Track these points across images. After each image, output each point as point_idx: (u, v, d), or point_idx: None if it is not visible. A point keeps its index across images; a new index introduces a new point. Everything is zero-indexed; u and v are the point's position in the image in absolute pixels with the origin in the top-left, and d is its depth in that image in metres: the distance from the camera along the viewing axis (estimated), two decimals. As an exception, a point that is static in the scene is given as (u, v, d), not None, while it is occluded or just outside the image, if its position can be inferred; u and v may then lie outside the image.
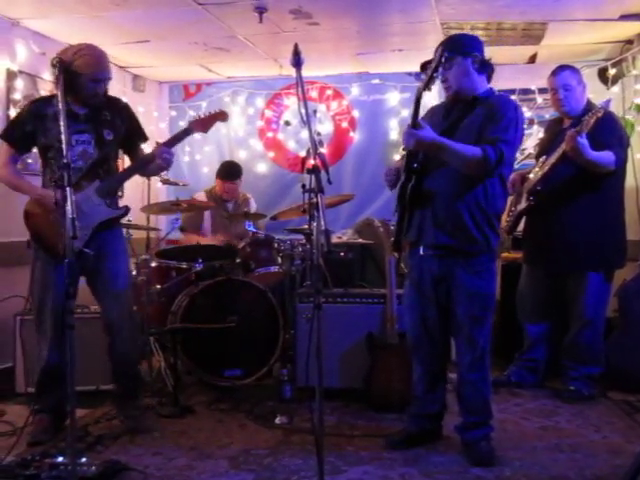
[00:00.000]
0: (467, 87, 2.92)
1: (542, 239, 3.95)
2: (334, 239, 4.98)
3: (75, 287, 3.01)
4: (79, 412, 3.21)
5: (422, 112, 2.91)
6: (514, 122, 2.84)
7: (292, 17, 4.53)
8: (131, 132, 3.46)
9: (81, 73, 3.13)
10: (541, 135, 4.61)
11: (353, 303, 3.95)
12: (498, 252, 3.35)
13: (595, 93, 4.52)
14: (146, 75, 6.16)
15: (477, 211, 2.87)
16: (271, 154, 6.32)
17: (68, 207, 2.36)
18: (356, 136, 6.14)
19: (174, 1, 4.22)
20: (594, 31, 4.81)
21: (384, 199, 5.65)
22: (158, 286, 4.30)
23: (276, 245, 4.56)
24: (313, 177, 2.36)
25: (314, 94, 6.09)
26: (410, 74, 5.92)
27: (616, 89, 5.18)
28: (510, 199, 3.97)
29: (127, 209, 3.41)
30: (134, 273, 4.51)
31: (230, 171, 5.24)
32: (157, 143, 3.39)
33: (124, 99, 5.56)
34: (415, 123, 2.77)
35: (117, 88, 5.58)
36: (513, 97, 5.16)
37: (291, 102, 6.17)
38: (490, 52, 3.00)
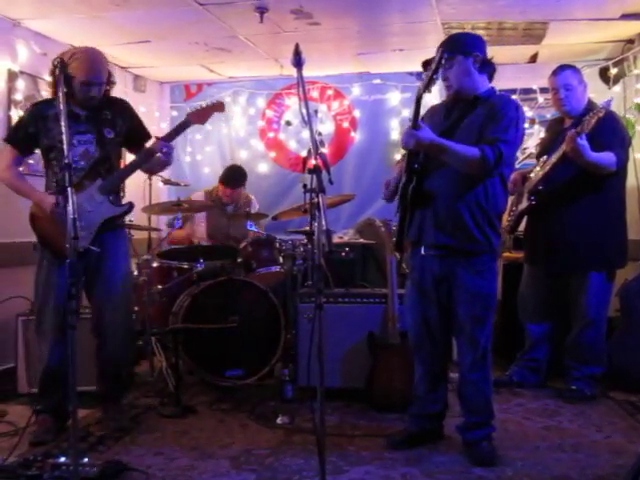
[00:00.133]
0: (468, 86, 2.92)
1: (543, 239, 3.94)
2: (335, 239, 4.98)
3: (78, 287, 3.03)
4: (81, 412, 3.21)
5: (422, 111, 2.91)
6: (514, 122, 2.83)
7: (293, 17, 4.53)
8: (133, 130, 3.47)
9: (74, 76, 3.16)
10: (542, 135, 4.61)
11: (354, 303, 3.95)
12: (499, 252, 3.35)
13: (596, 93, 4.52)
14: (147, 75, 6.17)
15: (478, 211, 2.87)
16: (272, 154, 6.32)
17: (69, 208, 2.37)
18: (357, 136, 6.14)
19: (175, 1, 4.22)
20: (595, 30, 4.81)
21: (385, 199, 5.64)
22: (159, 286, 4.30)
23: (277, 245, 4.56)
24: (314, 177, 2.36)
25: (315, 94, 6.09)
26: (411, 74, 5.92)
27: (617, 89, 5.18)
28: (511, 199, 3.97)
29: (131, 205, 3.42)
30: (135, 273, 4.52)
31: (234, 179, 5.22)
32: (156, 138, 3.40)
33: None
34: (415, 124, 2.77)
35: (118, 88, 5.50)
36: (514, 97, 5.16)
37: (292, 102, 6.17)
38: (491, 52, 2.99)
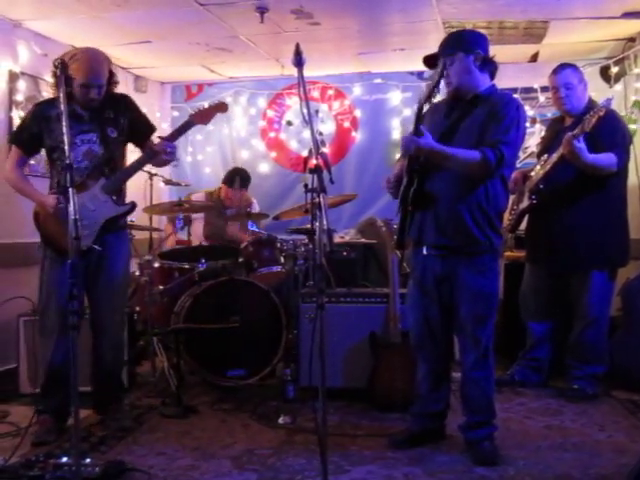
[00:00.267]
0: (468, 84, 2.91)
1: (545, 238, 3.94)
2: (337, 239, 4.98)
3: (80, 287, 3.05)
4: (83, 413, 3.21)
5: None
6: (515, 122, 2.83)
7: (293, 17, 4.53)
8: (136, 125, 3.47)
9: (73, 78, 3.16)
10: (543, 134, 4.60)
11: (356, 303, 3.95)
12: (501, 251, 3.34)
13: (598, 91, 4.52)
14: (148, 76, 6.17)
15: (478, 212, 2.87)
16: (273, 154, 6.32)
17: (70, 208, 2.38)
18: (358, 136, 6.14)
19: (175, 1, 4.22)
20: (596, 29, 4.81)
21: (386, 199, 5.59)
22: (161, 287, 4.31)
23: (279, 245, 4.56)
24: (315, 177, 2.36)
25: (316, 94, 6.09)
26: (412, 73, 5.92)
27: (619, 87, 5.17)
28: (512, 198, 3.97)
29: (134, 205, 3.43)
30: (137, 274, 4.52)
31: (238, 181, 5.23)
32: (160, 138, 3.42)
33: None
34: (417, 131, 2.76)
35: (119, 89, 5.55)
36: (515, 96, 5.15)
37: (293, 102, 6.17)
38: (492, 51, 2.98)
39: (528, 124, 5.15)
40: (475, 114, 2.88)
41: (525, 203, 3.98)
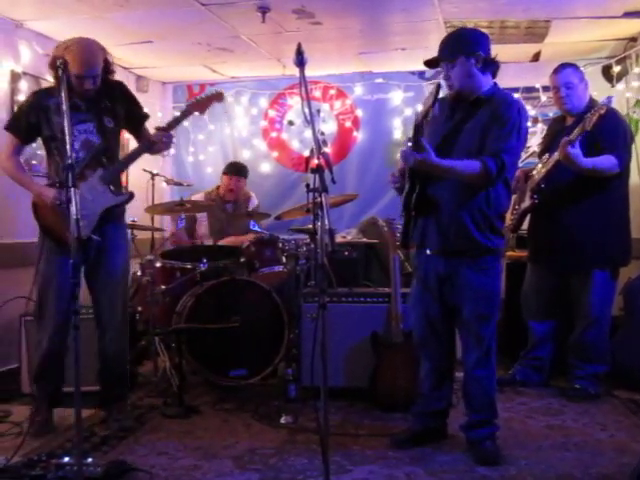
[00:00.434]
0: (469, 88, 2.91)
1: (546, 237, 3.94)
2: (338, 238, 4.98)
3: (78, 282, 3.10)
4: (84, 412, 3.21)
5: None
6: (517, 127, 2.83)
7: (295, 17, 4.53)
8: (131, 111, 3.49)
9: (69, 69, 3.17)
10: (545, 133, 4.60)
11: (358, 302, 3.95)
12: (503, 251, 3.34)
13: (599, 91, 4.52)
14: (149, 76, 6.17)
15: (479, 216, 2.87)
16: (275, 154, 6.32)
17: (73, 209, 2.38)
18: (360, 135, 6.14)
19: (177, 2, 4.23)
20: (598, 28, 4.80)
21: (388, 198, 5.64)
22: (163, 286, 4.30)
23: (280, 245, 4.56)
24: (317, 176, 2.36)
25: (317, 94, 6.09)
26: (413, 73, 5.92)
27: (620, 86, 5.17)
28: (514, 197, 3.96)
29: (131, 195, 3.46)
30: (139, 274, 4.53)
31: (237, 168, 5.28)
32: (156, 128, 3.43)
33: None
34: (417, 147, 2.75)
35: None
36: (516, 95, 5.16)
37: (294, 102, 6.17)
38: (493, 50, 2.97)
39: (530, 123, 5.14)
40: (477, 116, 2.88)
41: (527, 203, 3.98)
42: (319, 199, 2.34)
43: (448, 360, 3.14)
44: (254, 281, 4.22)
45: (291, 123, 6.19)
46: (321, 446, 2.33)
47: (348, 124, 6.15)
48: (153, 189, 4.88)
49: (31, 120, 3.30)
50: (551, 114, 5.29)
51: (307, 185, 2.40)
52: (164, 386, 4.02)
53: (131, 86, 5.91)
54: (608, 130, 3.63)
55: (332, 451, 2.67)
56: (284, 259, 4.54)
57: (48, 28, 4.68)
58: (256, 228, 4.80)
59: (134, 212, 5.05)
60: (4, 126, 3.38)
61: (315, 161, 2.40)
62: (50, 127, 3.28)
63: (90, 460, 2.66)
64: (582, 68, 4.24)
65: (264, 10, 4.34)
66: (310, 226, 2.67)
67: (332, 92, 6.16)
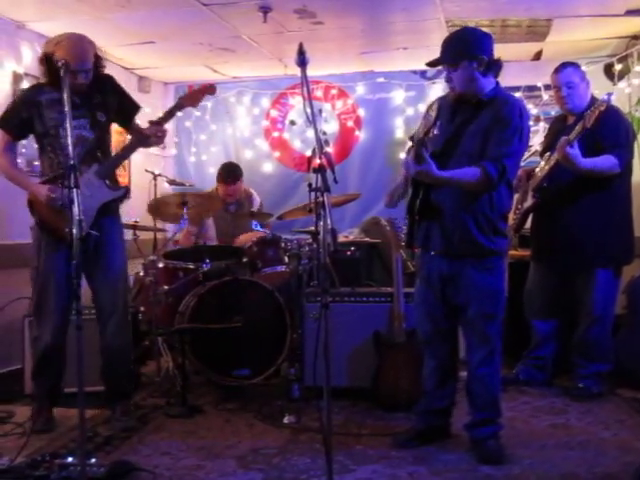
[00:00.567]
0: (472, 90, 2.89)
1: (549, 236, 3.94)
2: (340, 238, 4.98)
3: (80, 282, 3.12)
4: (88, 413, 3.22)
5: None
6: (519, 130, 2.82)
7: (296, 16, 4.53)
8: (122, 104, 3.50)
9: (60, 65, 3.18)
10: (547, 132, 4.59)
11: (360, 302, 3.95)
12: (506, 251, 3.34)
13: (601, 89, 4.51)
14: (151, 76, 6.18)
15: (483, 219, 2.88)
16: (277, 154, 6.33)
17: (75, 209, 2.39)
18: (361, 135, 6.14)
19: (178, 2, 4.23)
20: (600, 27, 4.80)
21: (390, 198, 5.63)
22: (165, 287, 4.30)
23: (283, 244, 4.56)
24: (319, 176, 2.36)
25: (319, 93, 6.09)
26: (415, 72, 5.92)
27: (622, 85, 5.16)
28: (516, 197, 3.96)
29: (127, 189, 3.50)
30: (142, 274, 4.53)
31: (231, 174, 5.21)
32: (150, 122, 3.44)
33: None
34: (418, 158, 2.75)
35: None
36: (518, 94, 5.16)
37: (296, 102, 6.17)
38: (495, 50, 2.97)
39: (532, 122, 5.14)
40: (479, 119, 2.87)
41: (529, 202, 3.97)
42: (321, 199, 2.34)
43: (452, 359, 3.14)
44: (257, 281, 4.22)
45: (293, 123, 6.20)
46: (324, 446, 2.33)
47: (350, 124, 6.15)
48: (155, 189, 4.88)
49: (23, 116, 3.30)
50: (553, 112, 5.29)
51: (309, 185, 2.40)
52: (167, 386, 4.02)
53: (133, 87, 5.94)
54: (609, 128, 3.62)
55: (335, 451, 2.66)
56: (286, 259, 4.53)
57: (50, 29, 4.67)
58: (258, 228, 4.79)
59: (136, 212, 5.07)
60: None
61: (317, 161, 2.40)
62: (43, 123, 3.29)
63: (93, 460, 2.66)
64: (584, 67, 4.24)
65: (265, 10, 4.34)
66: (312, 227, 2.67)
67: (334, 92, 6.16)
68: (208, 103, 6.30)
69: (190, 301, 4.07)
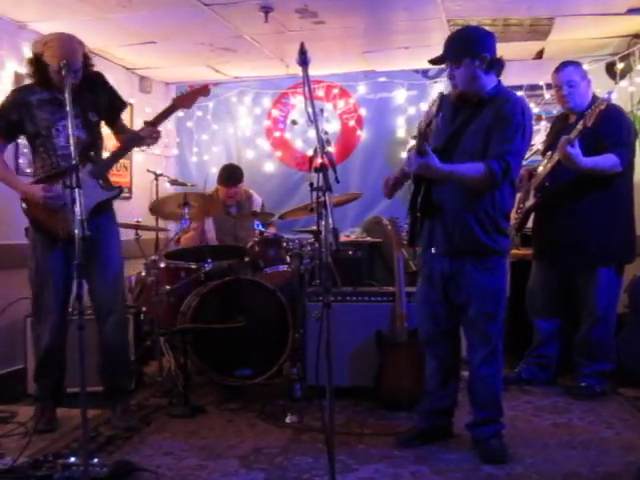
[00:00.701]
0: (474, 88, 2.90)
1: (551, 235, 3.93)
2: (342, 238, 4.98)
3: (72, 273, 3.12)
4: (90, 413, 3.22)
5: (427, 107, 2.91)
6: (521, 128, 2.82)
7: (298, 16, 4.53)
8: (112, 102, 3.51)
9: (47, 64, 3.19)
10: (548, 131, 4.59)
11: (362, 302, 3.95)
12: (508, 250, 3.34)
13: (603, 88, 4.50)
14: (153, 76, 6.17)
15: (485, 218, 2.87)
16: (278, 153, 6.32)
17: (77, 209, 2.40)
18: (363, 134, 6.13)
19: (180, 2, 4.23)
20: (601, 25, 4.79)
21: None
22: (167, 287, 4.30)
23: (285, 244, 4.56)
24: (321, 176, 2.36)
25: (321, 93, 6.08)
26: (417, 71, 5.91)
27: (624, 83, 5.16)
28: (518, 196, 3.96)
29: (121, 189, 3.52)
30: (143, 274, 4.53)
31: (232, 176, 5.22)
32: (145, 123, 3.46)
33: (131, 100, 5.61)
34: (421, 150, 2.75)
35: (124, 90, 5.57)
36: (520, 93, 5.14)
37: (298, 101, 6.17)
38: (497, 49, 2.97)
39: (534, 122, 5.13)
40: (481, 117, 2.87)
41: (531, 201, 3.97)
42: (323, 198, 2.34)
43: (453, 358, 3.14)
44: (259, 281, 4.22)
45: (294, 122, 6.19)
46: (326, 445, 2.33)
47: (351, 123, 6.15)
48: (157, 190, 4.88)
49: (12, 118, 3.31)
50: (555, 111, 5.28)
51: (311, 184, 2.40)
52: (169, 386, 4.02)
53: (134, 87, 5.94)
54: (610, 127, 3.62)
55: (337, 450, 2.67)
56: (288, 258, 4.54)
57: (51, 29, 4.60)
58: (261, 228, 4.79)
59: (138, 212, 5.08)
60: None
61: (319, 160, 2.40)
62: (34, 124, 3.30)
63: (96, 460, 2.66)
64: (585, 65, 4.24)
65: (267, 10, 4.34)
66: (314, 227, 2.67)
67: (335, 91, 6.15)
68: (210, 103, 6.30)
69: (192, 301, 4.07)
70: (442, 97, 3.03)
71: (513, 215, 3.90)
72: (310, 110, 2.44)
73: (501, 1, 4.32)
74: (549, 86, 5.27)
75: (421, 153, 2.74)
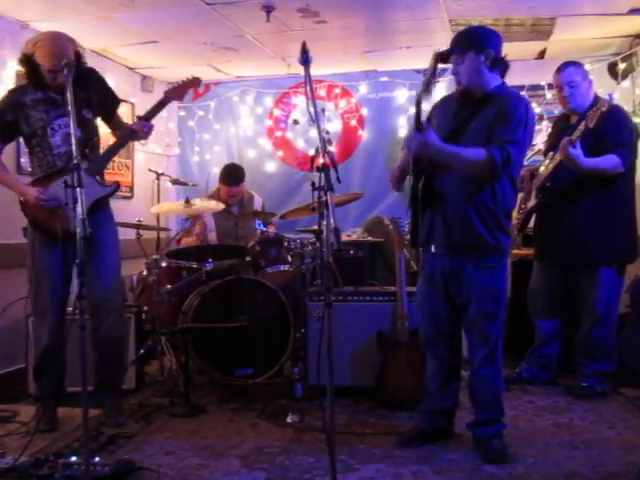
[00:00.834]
0: (477, 84, 2.90)
1: (553, 235, 3.93)
2: (344, 237, 4.97)
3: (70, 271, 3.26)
4: (91, 412, 3.22)
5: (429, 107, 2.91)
6: (523, 121, 2.82)
7: (299, 15, 4.53)
8: (105, 98, 3.51)
9: (39, 64, 3.20)
10: (550, 131, 4.59)
11: (363, 301, 3.95)
12: (509, 250, 3.34)
13: (605, 88, 4.50)
14: (155, 76, 6.17)
15: (487, 214, 2.86)
16: (280, 153, 6.32)
17: (79, 208, 2.40)
18: (365, 134, 6.13)
19: (182, 1, 4.23)
20: (603, 26, 4.79)
21: (393, 197, 5.63)
22: (169, 286, 4.31)
23: (286, 244, 4.56)
24: (322, 175, 2.36)
25: (322, 92, 6.09)
26: (418, 71, 5.90)
27: (626, 84, 5.15)
28: (520, 196, 3.95)
29: (118, 185, 3.53)
30: (145, 273, 4.53)
31: (234, 175, 5.23)
32: (137, 117, 3.49)
33: (133, 100, 5.61)
34: (419, 125, 2.75)
35: (126, 89, 5.59)
36: (522, 93, 5.13)
37: (299, 101, 6.17)
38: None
39: (535, 121, 5.13)
40: (483, 114, 2.87)
41: (533, 201, 3.97)
42: (324, 198, 2.34)
43: (455, 358, 3.13)
44: (260, 280, 4.22)
45: (296, 122, 6.19)
46: (328, 445, 2.33)
47: (353, 123, 6.15)
48: (158, 189, 4.89)
49: (8, 119, 3.32)
50: (556, 112, 5.27)
51: (312, 184, 2.40)
52: (170, 386, 4.02)
53: (136, 86, 5.94)
54: (612, 128, 3.61)
55: (339, 450, 2.67)
56: (290, 258, 4.54)
57: (53, 29, 4.61)
58: (262, 227, 4.79)
59: (140, 212, 5.08)
60: None
61: (320, 160, 2.40)
62: (29, 124, 3.31)
63: (97, 459, 2.67)
64: (587, 65, 4.23)
65: (269, 9, 4.34)
66: (316, 227, 2.67)
67: (337, 91, 6.15)
68: (211, 102, 6.31)
69: (193, 300, 4.08)
70: (446, 96, 3.04)
71: (515, 215, 3.90)
72: (312, 110, 2.44)
73: (503, 1, 4.32)
74: (551, 86, 5.25)
75: (419, 128, 2.74)
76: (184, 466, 2.89)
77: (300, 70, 2.53)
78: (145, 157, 5.95)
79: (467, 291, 2.93)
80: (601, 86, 4.20)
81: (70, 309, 3.39)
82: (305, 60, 2.50)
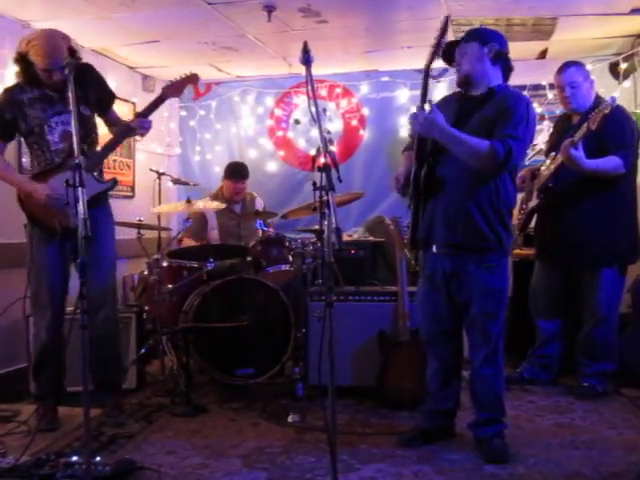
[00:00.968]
0: (478, 72, 2.90)
1: (554, 236, 3.93)
2: (345, 237, 4.97)
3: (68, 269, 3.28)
4: (92, 412, 3.22)
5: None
6: (525, 119, 2.82)
7: (301, 15, 4.53)
8: (101, 94, 3.52)
9: (33, 63, 3.21)
10: (551, 131, 4.58)
11: (364, 301, 3.95)
12: (510, 249, 3.34)
13: (606, 88, 4.50)
14: (156, 75, 6.17)
15: (489, 209, 2.86)
16: (281, 153, 6.32)
17: (80, 207, 2.40)
18: (366, 134, 6.13)
19: (183, 1, 4.23)
20: (605, 25, 4.78)
21: (394, 197, 5.58)
22: (170, 286, 4.31)
23: (287, 243, 4.56)
24: (323, 175, 2.36)
25: (323, 92, 6.08)
26: (419, 71, 5.83)
27: (627, 84, 5.15)
28: (521, 196, 3.95)
29: (115, 181, 3.54)
30: (146, 273, 4.53)
31: (239, 171, 5.26)
32: (135, 114, 3.52)
33: (134, 99, 5.61)
34: (424, 100, 2.76)
35: (127, 89, 5.59)
36: (523, 93, 5.14)
37: (301, 101, 6.17)
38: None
39: (537, 121, 5.12)
40: (484, 111, 2.88)
41: (534, 202, 3.97)
42: (326, 198, 2.34)
43: (456, 359, 3.13)
44: (261, 280, 4.22)
45: (297, 122, 6.18)
46: (329, 445, 2.33)
47: (354, 123, 6.15)
48: (160, 189, 4.89)
49: (6, 117, 3.33)
50: (558, 112, 5.26)
51: (314, 184, 2.40)
52: (171, 385, 4.02)
53: (137, 86, 5.94)
54: (613, 129, 3.61)
55: (340, 450, 2.66)
56: (291, 258, 4.54)
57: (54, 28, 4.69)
58: (263, 227, 4.79)
59: (141, 211, 5.08)
60: None
61: (321, 160, 2.40)
62: (26, 122, 3.32)
63: (98, 459, 2.67)
64: (589, 65, 4.23)
65: (270, 9, 4.34)
66: (317, 226, 2.67)
67: (338, 91, 6.15)
68: (212, 102, 6.31)
69: (194, 300, 4.08)
70: (446, 96, 3.04)
71: (516, 215, 3.90)
72: (313, 109, 2.44)
73: (504, 1, 4.32)
74: (552, 86, 5.23)
75: (425, 104, 2.78)
76: (185, 466, 2.90)
77: (301, 70, 2.53)
78: (146, 157, 5.95)
79: (468, 291, 2.93)
80: (602, 86, 4.20)
81: (70, 309, 3.39)
82: (306, 60, 2.50)
